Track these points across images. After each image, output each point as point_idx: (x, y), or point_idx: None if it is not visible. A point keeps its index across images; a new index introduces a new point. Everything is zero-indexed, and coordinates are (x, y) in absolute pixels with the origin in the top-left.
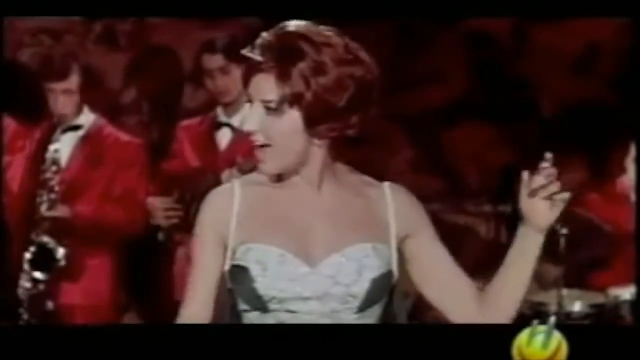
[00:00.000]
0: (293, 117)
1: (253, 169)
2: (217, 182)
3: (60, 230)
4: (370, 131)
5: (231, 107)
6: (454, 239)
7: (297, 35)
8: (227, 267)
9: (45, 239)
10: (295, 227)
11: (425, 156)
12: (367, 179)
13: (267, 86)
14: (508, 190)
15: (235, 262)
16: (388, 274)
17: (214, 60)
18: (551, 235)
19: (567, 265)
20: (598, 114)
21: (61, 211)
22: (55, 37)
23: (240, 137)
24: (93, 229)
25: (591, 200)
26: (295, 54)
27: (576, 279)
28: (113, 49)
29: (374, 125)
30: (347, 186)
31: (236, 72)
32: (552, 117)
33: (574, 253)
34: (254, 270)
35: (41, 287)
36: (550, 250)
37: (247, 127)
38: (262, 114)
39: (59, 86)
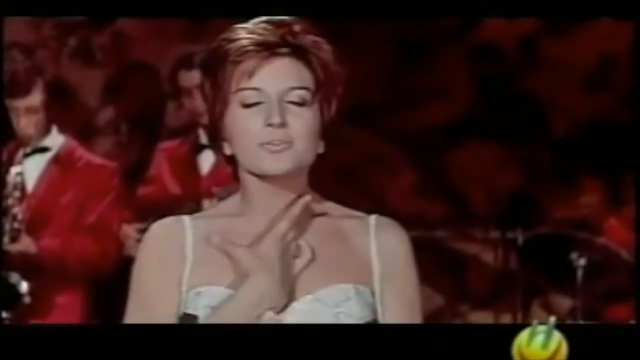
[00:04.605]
0: (315, 110)
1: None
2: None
3: (25, 263)
4: (368, 151)
5: None
6: (460, 267)
7: (303, 22)
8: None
9: (8, 273)
10: None
11: (428, 179)
12: (346, 210)
13: (294, 72)
14: (517, 216)
15: (185, 311)
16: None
17: (191, 78)
18: (568, 267)
19: (583, 297)
20: (613, 133)
21: (25, 244)
22: (26, 52)
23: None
24: (61, 263)
25: (609, 227)
26: (314, 40)
27: (593, 312)
28: (89, 65)
29: (372, 145)
30: (321, 217)
31: None
32: (564, 136)
33: (591, 284)
34: (203, 318)
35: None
36: (566, 281)
37: (274, 120)
38: (284, 106)
39: (21, 103)
